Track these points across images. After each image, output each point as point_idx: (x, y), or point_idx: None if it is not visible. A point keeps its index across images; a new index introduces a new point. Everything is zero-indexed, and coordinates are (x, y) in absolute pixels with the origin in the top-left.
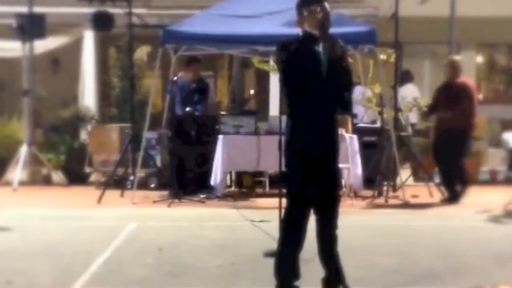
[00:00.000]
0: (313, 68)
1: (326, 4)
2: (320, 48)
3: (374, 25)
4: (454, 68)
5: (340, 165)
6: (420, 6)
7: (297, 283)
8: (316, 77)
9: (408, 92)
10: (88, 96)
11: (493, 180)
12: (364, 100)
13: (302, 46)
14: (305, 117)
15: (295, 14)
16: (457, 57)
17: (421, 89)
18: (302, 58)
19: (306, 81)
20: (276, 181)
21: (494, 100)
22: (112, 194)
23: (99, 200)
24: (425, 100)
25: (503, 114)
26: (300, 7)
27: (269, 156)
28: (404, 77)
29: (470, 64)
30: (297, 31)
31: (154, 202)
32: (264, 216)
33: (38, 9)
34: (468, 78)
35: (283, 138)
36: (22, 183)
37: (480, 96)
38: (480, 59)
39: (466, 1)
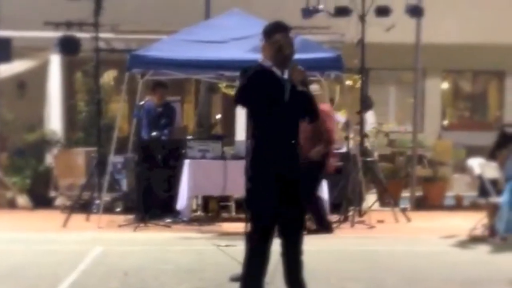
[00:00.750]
0: (273, 93)
1: (289, 34)
2: (280, 74)
3: (340, 51)
4: None
5: None
6: (386, 33)
7: None
8: (277, 102)
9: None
10: (54, 120)
11: (458, 205)
12: None
13: (262, 72)
14: (268, 140)
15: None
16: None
17: (387, 115)
18: (261, 83)
19: (265, 106)
20: (242, 205)
21: (459, 126)
22: (78, 218)
23: (65, 224)
24: (391, 126)
25: (468, 140)
26: (264, 35)
27: (235, 181)
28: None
29: (436, 91)
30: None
31: (120, 226)
32: (230, 241)
33: (4, 33)
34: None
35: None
36: None
37: (445, 122)
38: (445, 85)
39: (431, 28)
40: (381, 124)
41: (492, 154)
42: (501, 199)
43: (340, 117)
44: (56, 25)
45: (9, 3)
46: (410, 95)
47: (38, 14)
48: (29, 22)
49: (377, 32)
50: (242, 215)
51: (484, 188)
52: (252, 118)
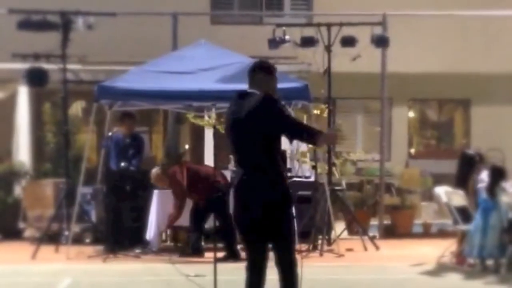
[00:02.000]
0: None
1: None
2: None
3: (307, 81)
4: None
5: None
6: (352, 62)
7: None
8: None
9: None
10: (23, 151)
11: (426, 233)
12: (298, 155)
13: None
14: (239, 167)
15: (227, 71)
16: None
17: (355, 144)
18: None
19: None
20: (211, 235)
21: (426, 155)
22: (47, 250)
23: (34, 256)
24: (359, 154)
25: (435, 168)
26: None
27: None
28: None
29: (402, 119)
30: (231, 86)
31: (89, 257)
32: (199, 271)
33: None
34: None
35: None
36: None
37: (412, 151)
38: (411, 114)
39: (397, 57)
40: (349, 153)
41: (460, 180)
42: (472, 225)
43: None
44: (24, 57)
45: None
46: (377, 124)
47: (5, 46)
48: None
49: (343, 61)
50: (211, 245)
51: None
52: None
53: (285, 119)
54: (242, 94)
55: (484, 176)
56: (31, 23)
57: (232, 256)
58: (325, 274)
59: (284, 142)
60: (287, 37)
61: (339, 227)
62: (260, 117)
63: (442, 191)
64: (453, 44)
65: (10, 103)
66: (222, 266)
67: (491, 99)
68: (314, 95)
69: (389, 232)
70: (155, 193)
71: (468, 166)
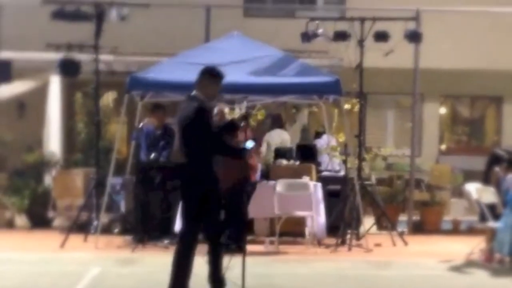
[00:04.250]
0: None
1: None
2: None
3: (339, 75)
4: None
5: (304, 213)
6: (384, 57)
7: None
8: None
9: (277, 136)
10: (53, 141)
11: (455, 230)
12: (328, 149)
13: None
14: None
15: (260, 63)
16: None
17: (385, 139)
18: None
19: None
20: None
21: (456, 151)
22: (76, 239)
23: (63, 245)
24: (389, 149)
25: (466, 165)
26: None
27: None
28: (274, 123)
29: (434, 115)
30: (262, 79)
31: (118, 247)
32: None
33: (5, 54)
34: None
35: None
36: None
37: (443, 147)
38: (443, 110)
39: (430, 53)
40: (379, 148)
41: (485, 177)
42: (501, 223)
43: (334, 139)
44: (57, 47)
45: (10, 25)
46: (408, 120)
47: (39, 36)
48: (29, 44)
49: (375, 57)
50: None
51: (483, 213)
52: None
53: (206, 135)
54: (189, 97)
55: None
56: (65, 14)
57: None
58: (353, 269)
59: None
60: (320, 31)
61: (368, 222)
62: (189, 125)
63: (472, 188)
64: (486, 40)
65: (42, 93)
66: (249, 259)
67: None
68: (345, 90)
69: (418, 228)
70: None
71: (495, 165)
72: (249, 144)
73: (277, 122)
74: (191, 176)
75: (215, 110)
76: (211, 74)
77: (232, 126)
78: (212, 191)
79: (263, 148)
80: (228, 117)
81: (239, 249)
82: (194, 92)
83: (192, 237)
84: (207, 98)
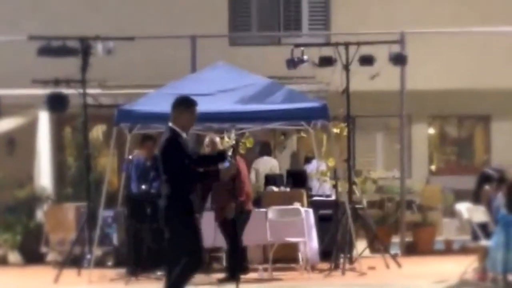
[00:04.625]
0: None
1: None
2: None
3: (326, 100)
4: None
5: (296, 239)
6: (370, 81)
7: None
8: None
9: (266, 163)
10: (44, 176)
11: (448, 250)
12: (318, 174)
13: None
14: None
15: (246, 91)
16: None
17: (375, 162)
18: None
19: None
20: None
21: (446, 171)
22: (69, 273)
23: (56, 280)
24: (379, 172)
25: (456, 185)
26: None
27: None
28: (262, 150)
29: (422, 136)
30: (250, 107)
31: (112, 280)
32: None
33: None
34: None
35: None
36: None
37: (433, 167)
38: (431, 130)
39: (416, 74)
40: (369, 171)
41: (476, 196)
42: (492, 242)
43: (323, 164)
44: (44, 83)
45: None
46: (397, 142)
47: (26, 72)
48: (17, 80)
49: (361, 80)
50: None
51: (474, 232)
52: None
53: (179, 165)
54: (166, 127)
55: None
56: (51, 49)
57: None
58: None
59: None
60: (305, 57)
61: (360, 246)
62: (162, 156)
63: (463, 207)
64: (472, 60)
65: (31, 129)
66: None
67: (511, 114)
68: (333, 114)
69: (411, 250)
70: None
71: (485, 184)
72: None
73: (265, 149)
74: (173, 206)
75: (206, 140)
76: (182, 104)
77: (221, 157)
78: (185, 221)
79: (252, 176)
80: (220, 146)
81: (236, 277)
82: (169, 124)
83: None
84: (182, 128)
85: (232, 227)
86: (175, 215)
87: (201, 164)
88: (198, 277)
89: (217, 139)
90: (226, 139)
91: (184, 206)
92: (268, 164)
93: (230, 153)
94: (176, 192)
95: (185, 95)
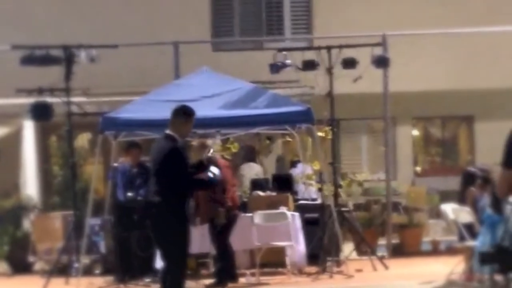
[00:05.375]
0: None
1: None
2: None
3: (310, 103)
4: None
5: (283, 243)
6: (353, 83)
7: None
8: None
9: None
10: (30, 185)
11: (435, 250)
12: (304, 178)
13: None
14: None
15: (231, 97)
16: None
17: (360, 164)
18: None
19: None
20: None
21: (431, 172)
22: (57, 282)
23: None
24: (365, 175)
25: (441, 185)
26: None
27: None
28: (245, 156)
29: (407, 138)
30: (234, 112)
31: None
32: None
33: None
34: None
35: None
36: None
37: (418, 169)
38: (415, 132)
39: (398, 77)
40: (355, 174)
41: (462, 198)
42: (478, 242)
43: (309, 168)
44: (28, 92)
45: None
46: (382, 144)
47: (9, 81)
48: (1, 90)
49: (345, 83)
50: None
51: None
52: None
53: (181, 175)
54: (165, 135)
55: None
56: (34, 58)
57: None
58: None
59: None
60: (288, 61)
61: (347, 248)
62: (164, 165)
63: (449, 208)
64: (455, 61)
65: (15, 138)
66: None
67: (494, 115)
68: (317, 118)
69: (398, 251)
70: None
71: (470, 183)
72: (214, 170)
73: (249, 155)
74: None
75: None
76: (184, 113)
77: (200, 166)
78: (181, 229)
79: (239, 182)
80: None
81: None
82: (168, 131)
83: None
84: (180, 136)
85: (222, 233)
86: (172, 222)
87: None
88: (187, 284)
89: (209, 141)
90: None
91: (181, 214)
92: (253, 170)
93: (211, 167)
94: (174, 200)
95: (185, 104)
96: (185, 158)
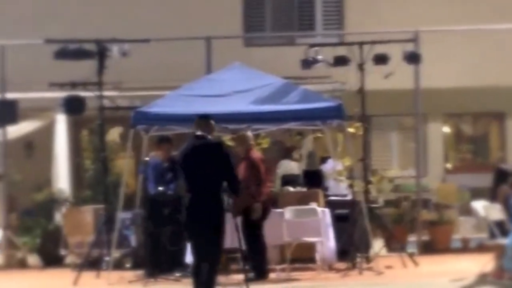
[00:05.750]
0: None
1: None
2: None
3: (341, 99)
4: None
5: (313, 239)
6: (385, 80)
7: None
8: None
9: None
10: (62, 179)
11: (465, 248)
12: (334, 174)
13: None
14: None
15: (262, 92)
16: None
17: (390, 161)
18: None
19: None
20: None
21: (462, 169)
22: (88, 276)
23: (75, 282)
24: (395, 171)
25: (472, 182)
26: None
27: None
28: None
29: (437, 134)
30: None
31: (130, 282)
32: None
33: (10, 95)
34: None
35: None
36: None
37: (448, 166)
38: (446, 129)
39: (430, 73)
40: (385, 170)
41: (494, 195)
42: (509, 239)
43: (339, 164)
44: (61, 86)
45: (14, 66)
46: (412, 140)
47: (43, 76)
48: (34, 84)
49: (376, 79)
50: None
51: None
52: None
53: (231, 166)
54: (198, 136)
55: None
56: (68, 52)
57: (261, 276)
58: None
59: None
60: (319, 57)
61: (377, 245)
62: (227, 160)
63: (479, 205)
64: (486, 57)
65: (48, 132)
66: None
67: None
68: (348, 114)
69: (428, 248)
70: None
71: (502, 181)
72: None
73: (284, 152)
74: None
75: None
76: (212, 118)
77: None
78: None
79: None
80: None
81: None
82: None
83: None
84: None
85: (255, 227)
86: (223, 216)
87: None
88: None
89: (250, 135)
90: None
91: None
92: (288, 167)
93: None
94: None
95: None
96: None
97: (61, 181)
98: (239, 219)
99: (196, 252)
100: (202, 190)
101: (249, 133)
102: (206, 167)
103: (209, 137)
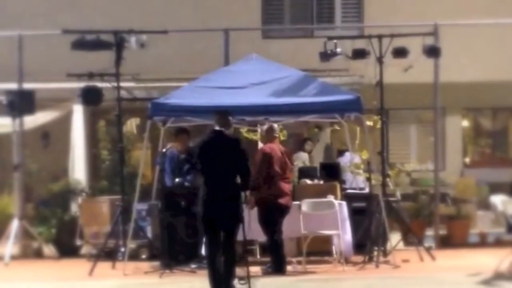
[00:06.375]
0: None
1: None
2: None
3: (359, 92)
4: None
5: (330, 232)
6: (404, 73)
7: None
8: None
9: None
10: (78, 169)
11: (483, 242)
12: (352, 167)
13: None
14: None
15: (280, 84)
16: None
17: (408, 154)
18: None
19: None
20: (266, 249)
21: (481, 164)
22: (104, 266)
23: (91, 272)
24: (413, 165)
25: (490, 177)
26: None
27: (259, 225)
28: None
29: (456, 128)
30: (283, 100)
31: (146, 273)
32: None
33: (27, 85)
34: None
35: None
36: (13, 257)
37: (467, 160)
38: (465, 123)
39: (449, 67)
40: (403, 164)
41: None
42: None
43: (357, 157)
44: (78, 76)
45: (32, 56)
46: (431, 134)
47: (60, 66)
48: (51, 74)
49: (395, 72)
50: (267, 259)
51: (509, 224)
52: None
53: (245, 161)
54: (216, 131)
55: None
56: (85, 43)
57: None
58: (382, 286)
59: None
60: (338, 49)
61: (394, 238)
62: (242, 152)
63: (498, 200)
64: (506, 51)
65: (65, 122)
66: (277, 280)
67: None
68: (366, 107)
69: (445, 242)
70: None
71: None
72: None
73: (298, 144)
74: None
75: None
76: (230, 114)
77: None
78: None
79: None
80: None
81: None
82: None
83: None
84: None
85: (274, 223)
86: (239, 208)
87: None
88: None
89: (275, 126)
90: (259, 131)
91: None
92: (301, 159)
93: None
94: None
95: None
96: None
97: (78, 172)
98: (253, 212)
99: (211, 244)
100: (218, 183)
101: (275, 125)
102: (222, 161)
103: (227, 132)
